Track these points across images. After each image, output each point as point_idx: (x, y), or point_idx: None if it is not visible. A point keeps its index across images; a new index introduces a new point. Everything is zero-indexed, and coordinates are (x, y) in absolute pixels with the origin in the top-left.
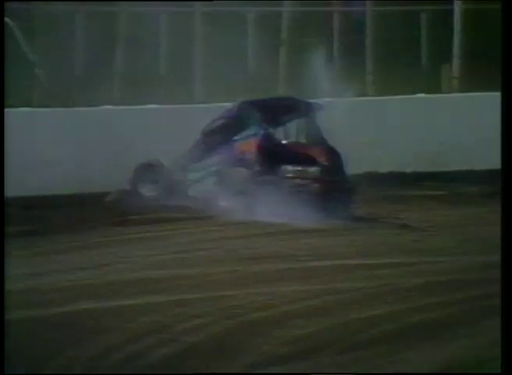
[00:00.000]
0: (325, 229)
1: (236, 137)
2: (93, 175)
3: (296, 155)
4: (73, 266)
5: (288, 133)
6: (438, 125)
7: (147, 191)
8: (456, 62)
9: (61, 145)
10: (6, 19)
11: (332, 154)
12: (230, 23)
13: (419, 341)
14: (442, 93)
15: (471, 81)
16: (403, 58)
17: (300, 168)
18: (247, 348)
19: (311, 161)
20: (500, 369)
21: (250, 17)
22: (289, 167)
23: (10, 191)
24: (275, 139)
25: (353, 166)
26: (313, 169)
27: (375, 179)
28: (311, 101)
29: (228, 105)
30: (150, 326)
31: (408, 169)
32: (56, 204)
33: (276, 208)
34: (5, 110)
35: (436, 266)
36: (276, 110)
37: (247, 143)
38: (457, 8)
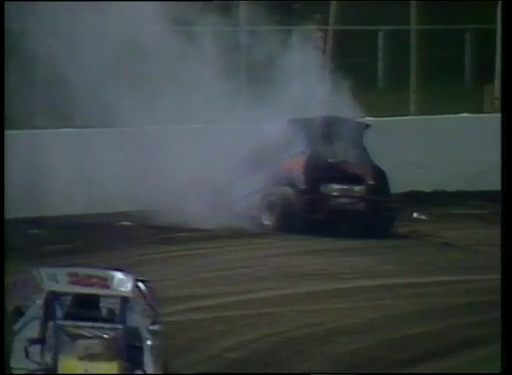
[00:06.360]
0: (368, 247)
1: (283, 155)
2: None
3: (342, 174)
4: None
5: (335, 152)
6: (480, 144)
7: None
8: (498, 82)
9: None
10: None
11: (378, 173)
12: None
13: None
14: (484, 113)
15: None
16: (446, 77)
17: (345, 187)
18: (291, 365)
19: (356, 180)
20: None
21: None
22: (335, 186)
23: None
24: (322, 158)
25: (398, 185)
26: (358, 188)
27: (418, 198)
28: (357, 120)
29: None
30: (193, 343)
31: (450, 189)
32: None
33: (320, 226)
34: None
35: (478, 284)
36: (323, 129)
37: (294, 161)
38: (500, 28)
